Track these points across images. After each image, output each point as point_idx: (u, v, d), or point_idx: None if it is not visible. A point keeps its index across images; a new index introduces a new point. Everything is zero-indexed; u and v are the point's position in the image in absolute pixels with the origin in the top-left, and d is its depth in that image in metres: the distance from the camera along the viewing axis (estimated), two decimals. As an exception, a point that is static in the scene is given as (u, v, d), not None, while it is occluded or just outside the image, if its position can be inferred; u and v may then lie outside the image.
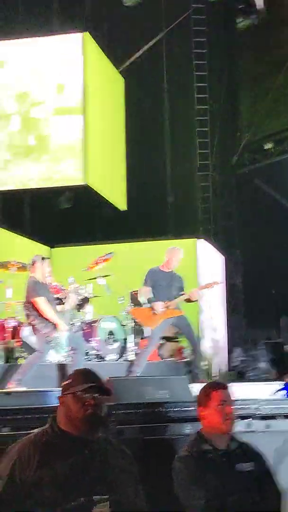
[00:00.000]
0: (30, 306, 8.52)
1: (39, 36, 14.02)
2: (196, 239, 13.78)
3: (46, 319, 8.43)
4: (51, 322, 8.43)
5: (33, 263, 8.68)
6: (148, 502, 3.68)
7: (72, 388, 3.35)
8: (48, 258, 8.97)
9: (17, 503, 3.09)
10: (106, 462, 3.28)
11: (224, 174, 17.20)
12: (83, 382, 3.35)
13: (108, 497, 3.15)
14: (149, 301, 8.96)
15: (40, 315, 8.44)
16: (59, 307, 9.07)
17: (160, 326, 9.02)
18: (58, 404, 3.41)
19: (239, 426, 4.72)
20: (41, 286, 8.57)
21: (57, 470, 3.15)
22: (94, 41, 13.83)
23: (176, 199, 15.96)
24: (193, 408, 4.32)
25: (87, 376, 3.43)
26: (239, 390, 6.97)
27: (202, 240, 14.02)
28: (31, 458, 3.19)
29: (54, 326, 8.44)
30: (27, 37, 14.03)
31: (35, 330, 8.57)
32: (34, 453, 3.20)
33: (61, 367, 8.95)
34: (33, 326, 8.58)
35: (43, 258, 8.75)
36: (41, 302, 8.39)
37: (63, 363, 8.98)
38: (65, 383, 3.42)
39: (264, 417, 5.01)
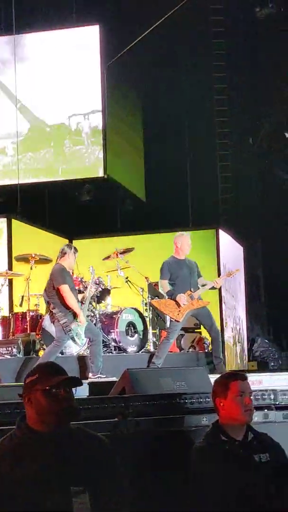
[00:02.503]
0: (53, 293, 8.55)
1: (55, 30, 13.98)
2: (215, 229, 13.74)
3: (68, 308, 8.46)
4: (71, 311, 8.45)
5: (64, 252, 8.72)
6: (165, 493, 3.70)
7: (41, 384, 3.19)
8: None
9: None
10: (82, 454, 3.17)
11: (244, 164, 17.12)
12: (51, 376, 3.20)
13: (85, 489, 3.05)
14: (170, 293, 8.96)
15: (61, 303, 8.47)
16: (79, 296, 9.12)
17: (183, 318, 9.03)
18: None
19: (257, 417, 4.72)
20: (67, 274, 8.61)
21: (32, 471, 3.04)
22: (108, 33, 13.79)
23: (196, 190, 15.91)
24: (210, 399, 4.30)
25: (54, 369, 3.28)
26: (258, 381, 6.98)
27: (222, 230, 13.98)
28: (2, 467, 3.07)
29: (74, 316, 8.46)
30: (44, 31, 14.03)
31: (54, 318, 8.60)
32: (5, 461, 3.08)
33: (81, 359, 8.99)
34: (52, 314, 8.62)
35: (74, 249, 8.79)
36: (66, 290, 8.42)
37: (83, 355, 9.01)
38: (30, 379, 3.23)
39: (281, 408, 5.00)
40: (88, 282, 9.51)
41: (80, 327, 8.48)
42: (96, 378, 8.33)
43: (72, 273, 9.16)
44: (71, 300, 8.43)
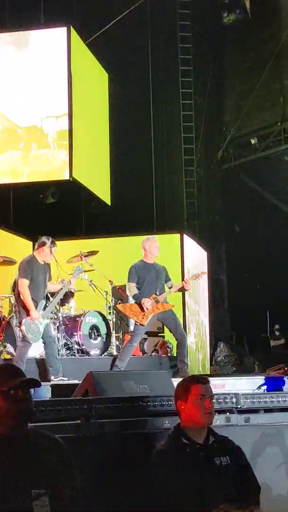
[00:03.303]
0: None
1: (22, 30, 13.89)
2: (179, 234, 13.76)
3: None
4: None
5: (42, 244, 8.58)
6: (127, 495, 3.70)
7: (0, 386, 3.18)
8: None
9: None
10: (40, 455, 3.17)
11: (209, 169, 17.22)
12: (9, 378, 3.20)
13: (46, 491, 3.05)
14: (136, 297, 8.96)
15: (18, 297, 8.40)
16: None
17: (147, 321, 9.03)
18: None
19: (219, 420, 4.75)
20: (34, 267, 8.45)
21: None
22: (77, 35, 13.74)
23: (161, 194, 15.96)
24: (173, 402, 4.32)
25: (12, 371, 3.28)
26: (220, 384, 7.02)
27: (186, 235, 14.01)
28: None
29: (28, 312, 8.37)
30: (13, 31, 13.93)
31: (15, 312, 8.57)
32: None
33: (41, 361, 8.92)
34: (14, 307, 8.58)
35: (53, 243, 8.66)
36: (23, 284, 8.31)
37: (42, 357, 8.94)
38: None
39: (243, 411, 5.03)
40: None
41: (40, 325, 8.38)
42: (58, 380, 8.28)
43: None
44: (25, 294, 8.29)
